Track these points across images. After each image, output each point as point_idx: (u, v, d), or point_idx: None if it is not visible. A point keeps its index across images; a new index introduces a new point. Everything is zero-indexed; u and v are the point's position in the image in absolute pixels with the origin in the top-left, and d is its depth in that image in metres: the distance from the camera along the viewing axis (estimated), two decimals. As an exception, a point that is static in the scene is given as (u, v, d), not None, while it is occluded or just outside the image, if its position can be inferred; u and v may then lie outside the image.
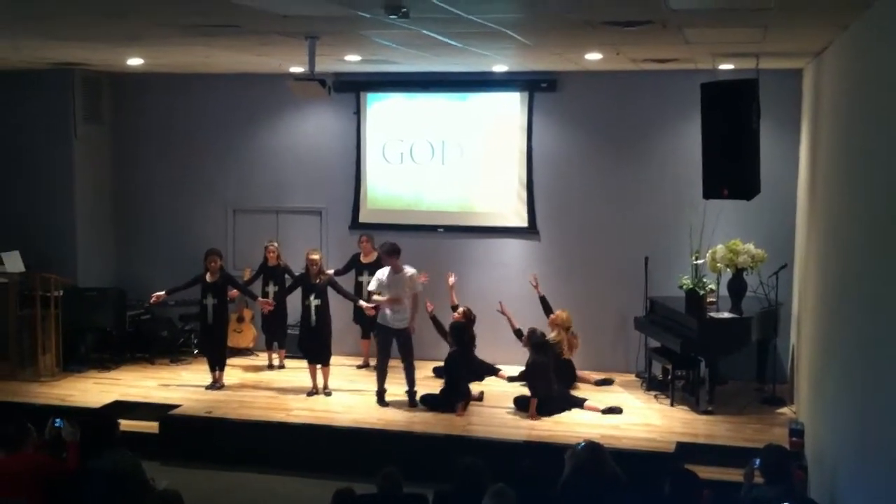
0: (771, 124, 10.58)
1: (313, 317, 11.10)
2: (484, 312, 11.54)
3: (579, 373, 11.68)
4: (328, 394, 11.27)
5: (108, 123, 13.68)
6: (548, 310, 11.56)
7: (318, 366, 11.28)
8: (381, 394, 10.94)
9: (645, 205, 12.13)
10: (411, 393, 10.89)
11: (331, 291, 11.24)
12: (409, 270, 10.77)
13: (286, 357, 12.54)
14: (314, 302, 11.10)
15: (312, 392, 11.22)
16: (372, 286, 11.00)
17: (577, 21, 7.25)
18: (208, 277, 11.37)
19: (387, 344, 10.92)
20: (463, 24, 7.28)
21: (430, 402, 10.73)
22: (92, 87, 13.21)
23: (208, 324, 11.45)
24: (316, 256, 11.20)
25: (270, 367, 12.50)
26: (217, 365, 11.54)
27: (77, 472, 7.15)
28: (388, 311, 10.79)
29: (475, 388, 11.05)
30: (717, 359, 10.67)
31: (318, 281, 11.12)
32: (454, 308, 11.36)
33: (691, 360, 10.84)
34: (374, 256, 11.95)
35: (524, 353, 10.74)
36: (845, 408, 6.74)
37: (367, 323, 11.94)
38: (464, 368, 10.81)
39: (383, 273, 10.82)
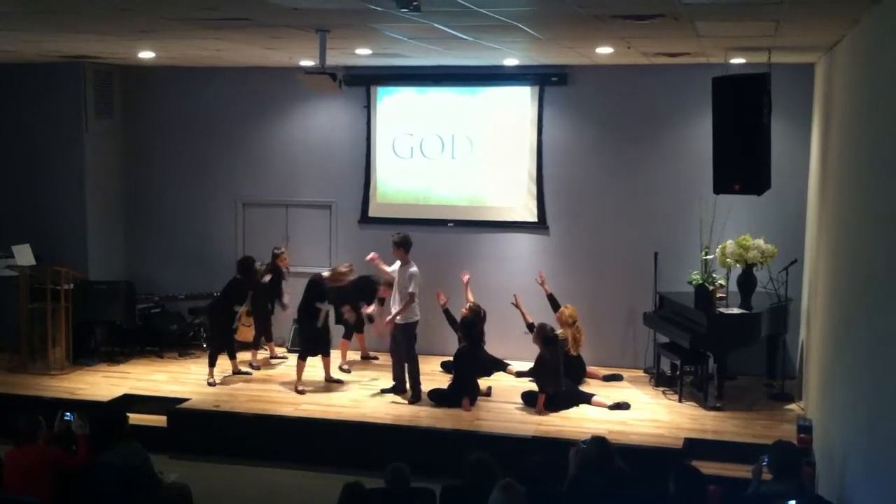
0: (782, 119, 10.55)
1: (321, 318, 11.27)
2: (493, 307, 11.53)
3: (588, 368, 11.67)
4: (341, 379, 11.48)
5: (119, 117, 13.70)
6: (556, 307, 11.53)
7: (320, 356, 11.37)
8: (396, 385, 11.04)
9: (655, 199, 12.10)
10: (396, 387, 11.01)
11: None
12: (411, 268, 10.76)
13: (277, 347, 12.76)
14: (325, 307, 11.26)
15: (303, 390, 11.13)
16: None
17: (589, 14, 7.23)
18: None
19: (393, 338, 10.99)
20: (474, 17, 7.27)
21: (437, 397, 10.73)
22: (103, 80, 13.23)
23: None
24: (327, 275, 11.35)
25: (274, 357, 12.52)
26: (229, 356, 11.66)
27: (87, 465, 7.20)
28: (392, 307, 10.88)
29: (483, 382, 11.04)
30: (726, 354, 10.64)
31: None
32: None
33: (700, 355, 10.81)
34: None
35: (532, 348, 10.73)
36: (855, 404, 6.72)
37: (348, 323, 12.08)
38: (473, 364, 10.80)
39: (396, 265, 10.88)
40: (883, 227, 5.80)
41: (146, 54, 11.29)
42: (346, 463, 9.44)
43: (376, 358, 12.41)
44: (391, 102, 12.95)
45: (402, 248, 10.78)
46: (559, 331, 11.21)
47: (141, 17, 7.83)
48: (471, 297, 11.43)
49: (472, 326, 10.83)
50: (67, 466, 7.17)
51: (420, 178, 12.93)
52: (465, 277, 11.64)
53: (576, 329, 11.33)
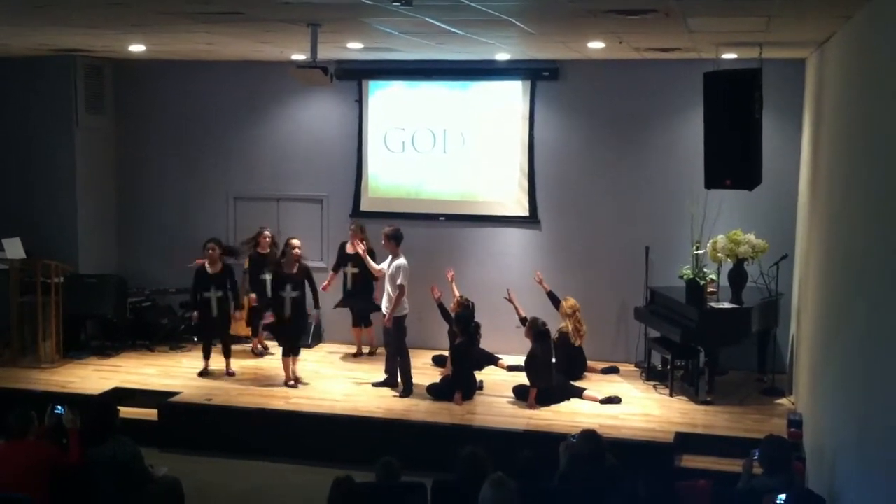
0: (773, 114, 10.58)
1: (288, 309, 11.01)
2: (484, 301, 11.53)
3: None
4: (294, 385, 11.11)
5: (110, 111, 13.65)
6: (556, 303, 11.53)
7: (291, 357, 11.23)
8: (387, 378, 11.06)
9: (646, 194, 12.11)
10: (388, 380, 11.04)
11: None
12: (399, 261, 10.76)
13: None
14: (290, 294, 10.98)
15: (290, 384, 11.11)
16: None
17: (581, 9, 7.23)
18: (209, 268, 11.32)
19: (386, 331, 11.01)
20: (466, 11, 7.26)
21: (435, 392, 10.73)
22: (94, 74, 13.18)
23: (212, 316, 11.37)
24: (296, 242, 11.13)
25: (257, 353, 12.52)
26: (224, 354, 11.52)
27: (79, 460, 7.18)
28: (383, 300, 10.91)
29: (475, 377, 11.04)
30: (717, 349, 10.66)
31: (294, 271, 11.02)
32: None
33: (691, 350, 10.84)
34: (360, 247, 11.96)
35: (524, 343, 10.73)
36: (845, 399, 6.74)
37: (355, 310, 12.08)
38: (469, 359, 10.82)
39: (385, 262, 10.88)
40: (874, 222, 5.81)
41: (137, 48, 11.26)
42: (337, 457, 9.43)
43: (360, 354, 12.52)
44: (383, 96, 12.94)
45: (394, 240, 10.80)
46: (562, 323, 11.23)
47: (132, 11, 7.80)
48: (457, 293, 11.43)
49: (468, 322, 10.82)
50: (59, 461, 7.15)
51: (412, 172, 12.92)
52: (450, 275, 11.63)
53: (575, 319, 11.34)
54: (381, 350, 12.23)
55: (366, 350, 12.52)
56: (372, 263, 11.18)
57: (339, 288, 12.21)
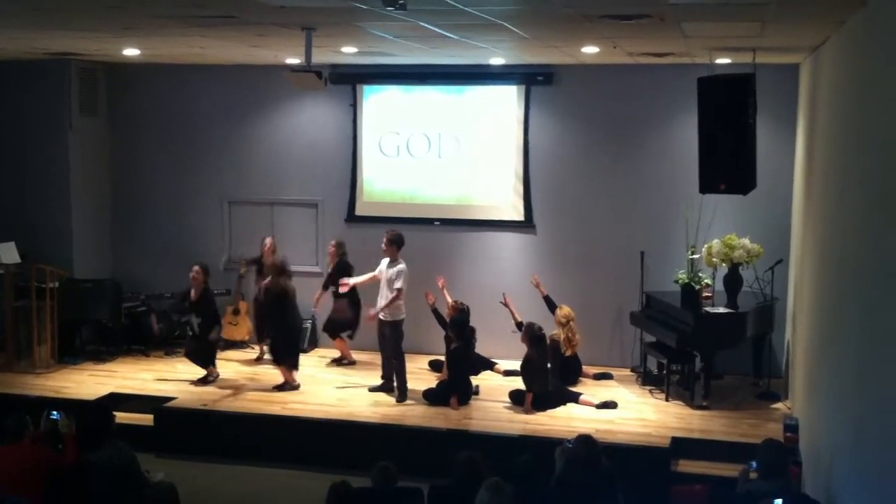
0: (767, 119, 10.61)
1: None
2: (480, 306, 11.51)
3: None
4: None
5: (104, 115, 13.63)
6: (553, 308, 11.51)
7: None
8: (384, 383, 11.08)
9: (641, 199, 12.12)
10: (385, 385, 11.05)
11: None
12: (400, 266, 10.75)
13: None
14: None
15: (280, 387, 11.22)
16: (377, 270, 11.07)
17: (575, 14, 7.24)
18: (192, 294, 11.40)
19: (381, 335, 10.99)
20: (460, 16, 7.26)
21: (431, 397, 10.72)
22: (88, 78, 13.17)
23: (195, 335, 11.66)
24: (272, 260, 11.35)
25: (258, 359, 12.44)
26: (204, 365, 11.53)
27: (74, 465, 7.17)
28: (378, 301, 10.89)
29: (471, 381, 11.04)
30: (713, 354, 10.67)
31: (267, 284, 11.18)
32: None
33: (687, 354, 10.83)
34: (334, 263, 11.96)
35: (520, 347, 10.73)
36: (841, 403, 6.75)
37: (332, 329, 12.13)
38: (467, 364, 10.81)
39: (384, 262, 10.87)
40: (868, 226, 5.82)
41: (131, 52, 11.25)
42: (334, 462, 9.42)
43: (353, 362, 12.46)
44: (377, 101, 12.93)
45: (395, 245, 10.79)
46: (555, 331, 11.21)
47: (128, 15, 7.79)
48: (449, 299, 11.41)
49: (464, 326, 10.81)
50: (54, 466, 7.14)
51: (407, 176, 12.92)
52: (441, 282, 11.60)
53: (568, 329, 11.32)
54: (359, 358, 12.30)
55: (345, 360, 12.47)
56: (360, 280, 11.27)
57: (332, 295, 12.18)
